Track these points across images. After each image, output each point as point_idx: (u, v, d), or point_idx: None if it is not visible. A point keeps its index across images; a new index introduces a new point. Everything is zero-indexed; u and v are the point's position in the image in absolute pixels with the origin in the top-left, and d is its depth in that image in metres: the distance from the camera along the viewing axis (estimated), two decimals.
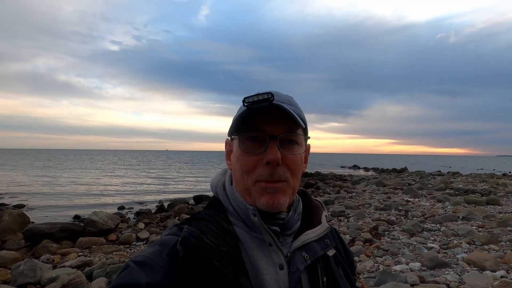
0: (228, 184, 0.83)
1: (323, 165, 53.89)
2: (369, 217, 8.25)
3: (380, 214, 8.70)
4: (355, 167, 47.19)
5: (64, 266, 5.09)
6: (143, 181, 25.43)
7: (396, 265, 4.72)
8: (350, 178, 23.40)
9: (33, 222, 8.09)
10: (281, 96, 0.78)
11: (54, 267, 5.18)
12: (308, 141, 0.85)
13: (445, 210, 8.88)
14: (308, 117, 0.83)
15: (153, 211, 11.06)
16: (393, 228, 6.95)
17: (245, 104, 0.73)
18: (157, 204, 13.03)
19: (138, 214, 10.47)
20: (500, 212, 8.43)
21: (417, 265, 4.64)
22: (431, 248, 5.46)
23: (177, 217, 9.76)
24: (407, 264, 4.71)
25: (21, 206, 12.24)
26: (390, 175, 27.06)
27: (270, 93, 0.72)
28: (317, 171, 29.84)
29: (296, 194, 0.84)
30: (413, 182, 17.72)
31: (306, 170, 0.86)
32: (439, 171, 30.76)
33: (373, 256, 5.22)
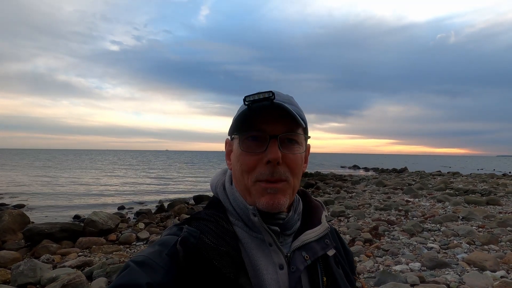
0: (228, 184, 0.83)
1: (323, 165, 53.88)
2: (369, 217, 8.24)
3: (380, 214, 8.70)
4: (355, 167, 47.19)
5: (64, 266, 5.09)
6: (143, 181, 25.43)
7: (396, 265, 4.72)
8: (350, 178, 23.40)
9: (33, 222, 8.09)
10: (282, 96, 0.78)
11: (54, 267, 5.18)
12: (308, 141, 0.85)
13: (445, 210, 8.88)
14: (308, 117, 0.83)
15: (153, 211, 11.06)
16: (393, 228, 6.95)
17: (246, 103, 0.73)
18: (157, 204, 13.03)
19: (138, 214, 10.47)
20: (500, 212, 8.43)
21: (417, 265, 4.64)
22: (431, 248, 5.46)
23: (177, 217, 9.76)
24: (407, 264, 4.71)
25: (21, 206, 12.24)
26: (390, 175, 27.06)
27: (271, 92, 0.72)
28: (317, 171, 29.84)
29: (296, 194, 0.84)
30: (413, 182, 17.72)
31: (306, 170, 0.86)
32: (439, 171, 30.76)
33: (373, 256, 5.22)
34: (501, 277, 4.10)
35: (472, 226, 6.78)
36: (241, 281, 0.67)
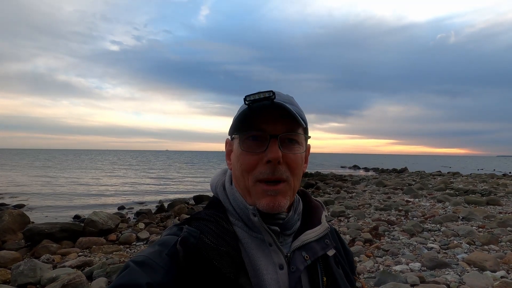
0: (228, 184, 0.83)
1: (323, 165, 53.87)
2: (369, 217, 8.24)
3: (380, 214, 8.70)
4: (355, 167, 47.19)
5: (64, 266, 5.09)
6: (143, 181, 25.43)
7: (396, 265, 4.72)
8: (350, 178, 23.40)
9: (33, 222, 8.09)
10: (282, 96, 0.78)
11: (54, 267, 5.18)
12: (308, 141, 0.85)
13: (445, 210, 8.88)
14: (308, 117, 0.84)
15: (153, 211, 11.06)
16: (393, 228, 6.95)
17: (246, 103, 0.73)
18: (157, 204, 13.03)
19: (138, 214, 10.47)
20: (500, 213, 8.43)
21: (417, 265, 4.64)
22: (431, 248, 5.46)
23: (177, 217, 9.76)
24: (407, 264, 4.71)
25: (21, 206, 12.25)
26: (390, 175, 27.06)
27: (271, 91, 0.72)
28: (317, 171, 29.85)
29: (296, 194, 0.84)
30: (413, 182, 17.72)
31: (306, 170, 0.86)
32: (439, 171, 30.76)
33: (373, 256, 5.21)
34: (501, 277, 4.10)
35: (472, 226, 6.78)
36: (241, 281, 0.67)
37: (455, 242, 5.73)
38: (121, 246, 6.71)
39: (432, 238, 6.08)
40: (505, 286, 3.68)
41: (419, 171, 31.35)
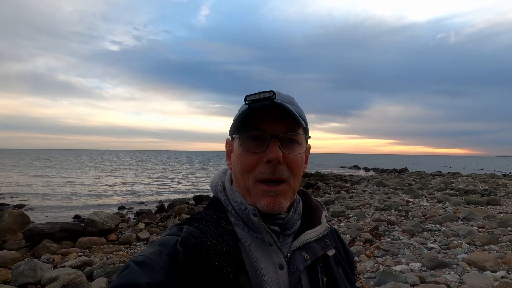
0: (228, 184, 0.83)
1: (323, 165, 53.87)
2: (369, 218, 8.24)
3: (380, 214, 8.70)
4: (355, 167, 47.19)
5: (64, 266, 5.09)
6: (143, 181, 25.44)
7: (396, 265, 4.72)
8: (350, 178, 23.40)
9: (33, 222, 8.09)
10: (282, 96, 0.79)
11: (55, 267, 5.18)
12: (308, 141, 0.85)
13: (446, 211, 8.88)
14: (308, 117, 0.84)
15: (153, 211, 11.06)
16: (394, 228, 6.95)
17: (247, 103, 0.73)
18: (157, 204, 13.04)
19: (138, 214, 10.47)
20: (500, 213, 8.42)
21: (417, 265, 4.64)
22: (432, 248, 5.45)
23: (177, 217, 9.77)
24: (407, 265, 4.71)
25: (21, 206, 12.25)
26: (390, 176, 27.06)
27: (271, 91, 0.72)
28: (317, 171, 29.85)
29: (296, 194, 0.84)
30: (414, 183, 17.72)
31: (306, 171, 0.86)
32: (440, 171, 30.76)
33: (373, 257, 5.21)
34: (502, 277, 4.09)
35: (472, 226, 6.78)
36: (241, 281, 0.67)
37: (455, 242, 5.73)
38: (121, 246, 6.72)
39: (432, 238, 6.07)
40: (505, 286, 3.68)
41: (419, 171, 31.35)
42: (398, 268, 4.58)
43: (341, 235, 1.01)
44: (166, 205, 12.21)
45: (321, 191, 16.00)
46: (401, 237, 6.17)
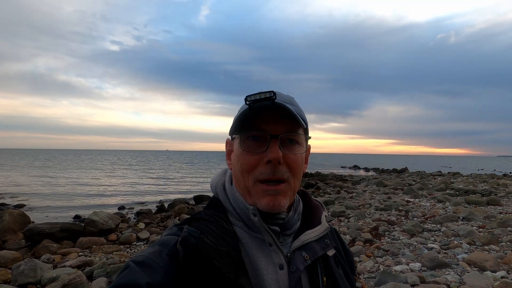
0: (228, 184, 0.83)
1: (323, 165, 53.87)
2: (370, 218, 8.24)
3: (381, 214, 8.70)
4: (356, 167, 47.18)
5: (64, 266, 5.09)
6: (143, 181, 25.44)
7: (396, 265, 4.72)
8: (351, 178, 23.39)
9: (33, 222, 8.09)
10: (283, 96, 0.79)
11: (55, 267, 5.18)
12: (309, 142, 0.85)
13: (446, 211, 8.87)
14: (308, 117, 0.84)
15: (153, 211, 11.06)
16: (394, 228, 6.95)
17: (247, 103, 0.73)
18: (158, 204, 13.04)
19: (139, 214, 10.47)
20: (500, 213, 8.42)
21: (417, 265, 4.64)
22: (432, 248, 5.45)
23: (177, 217, 9.77)
24: (408, 265, 4.71)
25: (21, 206, 12.26)
26: (390, 176, 27.05)
27: (272, 92, 0.72)
28: (317, 171, 29.84)
29: (296, 194, 0.84)
30: (414, 183, 17.71)
31: (306, 171, 0.86)
32: (440, 171, 30.75)
33: (374, 257, 5.21)
34: (502, 277, 4.09)
35: (472, 226, 6.78)
36: (241, 281, 0.67)
37: (456, 242, 5.72)
38: (122, 246, 6.72)
39: (433, 238, 6.07)
40: (505, 287, 3.68)
41: (419, 171, 31.34)
42: (398, 268, 4.58)
43: (341, 235, 1.01)
44: (166, 205, 12.21)
45: (321, 191, 16.00)
46: (401, 237, 6.17)
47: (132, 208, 12.49)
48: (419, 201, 11.08)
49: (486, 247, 5.45)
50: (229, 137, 0.83)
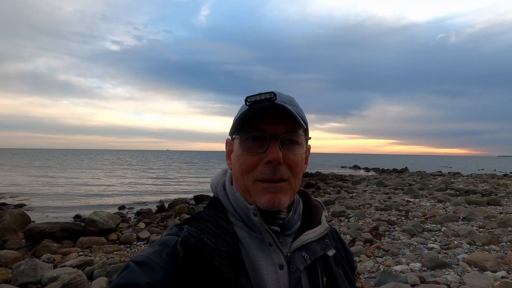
0: (228, 184, 0.83)
1: (323, 165, 53.86)
2: (370, 217, 8.24)
3: (381, 214, 8.70)
4: (356, 167, 47.17)
5: (64, 266, 5.10)
6: (144, 181, 25.45)
7: (396, 265, 4.72)
8: (351, 178, 23.39)
9: (33, 222, 8.10)
10: (283, 97, 0.79)
11: (55, 266, 5.19)
12: (309, 142, 0.85)
13: (446, 211, 8.87)
14: (308, 117, 0.84)
15: (153, 211, 11.06)
16: (394, 228, 6.94)
17: (247, 103, 0.73)
18: (158, 204, 13.04)
19: (139, 214, 10.48)
20: (501, 213, 8.42)
21: (417, 265, 4.64)
22: (432, 248, 5.45)
23: (177, 217, 9.77)
24: (408, 265, 4.70)
25: (21, 206, 12.26)
26: (390, 176, 27.04)
27: (272, 92, 0.72)
28: (317, 171, 29.84)
29: (296, 194, 0.84)
30: (414, 183, 17.71)
31: (306, 171, 0.86)
32: (440, 171, 30.74)
33: (374, 257, 5.21)
34: (502, 277, 4.09)
35: (472, 226, 6.77)
36: (241, 281, 0.67)
37: (456, 242, 5.72)
38: (122, 246, 6.72)
39: (433, 238, 6.07)
40: (505, 287, 3.67)
41: (419, 171, 31.33)
42: (398, 268, 4.58)
43: (341, 235, 1.01)
44: (166, 205, 12.22)
45: (321, 191, 16.00)
46: (401, 237, 6.17)
47: (132, 208, 12.50)
48: (419, 201, 11.07)
49: (486, 247, 5.45)
50: (229, 137, 0.83)
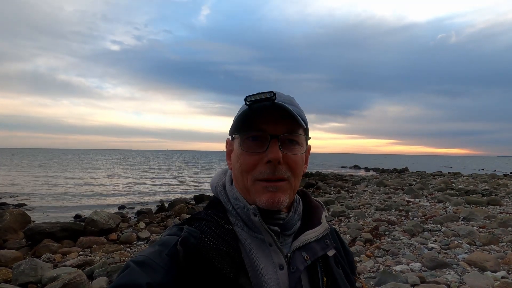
0: (228, 184, 0.83)
1: (323, 165, 53.87)
2: (370, 217, 8.24)
3: (381, 214, 8.69)
4: (356, 167, 47.17)
5: (65, 265, 5.10)
6: (144, 181, 25.46)
7: (396, 265, 4.72)
8: (351, 178, 23.38)
9: (34, 222, 8.10)
10: (283, 96, 0.79)
11: (55, 266, 5.19)
12: (309, 142, 0.85)
13: (446, 211, 8.87)
14: (308, 117, 0.84)
15: (153, 211, 11.07)
16: (394, 228, 6.94)
17: (247, 103, 0.73)
18: (158, 203, 13.05)
19: (139, 213, 10.48)
20: (501, 213, 8.42)
21: (417, 265, 4.64)
22: (432, 248, 5.45)
23: (177, 217, 9.77)
24: (408, 265, 4.70)
25: (22, 206, 12.27)
26: (390, 175, 27.03)
27: (272, 92, 0.72)
28: (317, 171, 29.85)
29: (296, 194, 0.84)
30: (414, 183, 17.70)
31: (306, 171, 0.86)
32: (440, 171, 30.73)
33: (374, 256, 5.21)
34: (502, 277, 4.09)
35: (473, 226, 6.77)
36: (241, 281, 0.67)
37: (456, 242, 5.72)
38: (122, 246, 6.72)
39: (433, 238, 6.07)
40: (505, 287, 3.68)
41: (419, 171, 31.32)
42: (398, 268, 4.58)
43: (341, 235, 1.01)
44: (166, 204, 12.22)
45: (321, 191, 16.00)
46: (401, 237, 6.17)
47: (133, 208, 12.51)
48: (420, 201, 11.07)
49: (486, 247, 5.45)
50: (229, 137, 0.83)
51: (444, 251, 5.35)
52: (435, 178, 21.71)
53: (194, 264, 0.66)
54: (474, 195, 11.56)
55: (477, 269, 4.42)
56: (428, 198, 11.71)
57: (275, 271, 0.72)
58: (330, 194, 14.76)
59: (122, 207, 12.69)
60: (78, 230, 7.21)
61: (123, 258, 5.65)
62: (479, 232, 6.35)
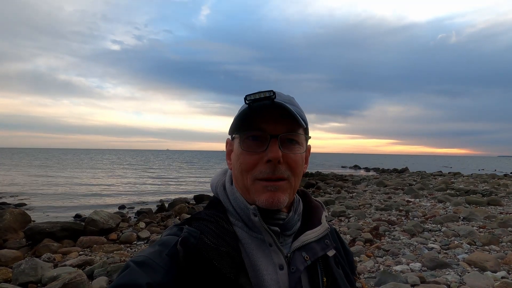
0: (228, 184, 0.83)
1: (323, 165, 53.88)
2: (370, 217, 8.24)
3: (381, 214, 8.69)
4: (356, 167, 47.16)
5: (65, 265, 5.10)
6: (144, 180, 25.46)
7: (396, 265, 4.72)
8: (351, 178, 23.38)
9: (34, 221, 8.10)
10: (283, 96, 0.78)
11: (55, 266, 5.19)
12: (309, 142, 0.85)
13: (446, 211, 8.87)
14: (308, 117, 0.83)
15: (154, 211, 11.07)
16: (394, 228, 6.94)
17: (247, 102, 0.73)
18: (158, 203, 13.05)
19: (139, 213, 10.48)
20: (501, 213, 8.41)
21: (417, 265, 4.64)
22: (432, 248, 5.45)
23: (178, 217, 9.77)
24: (408, 265, 4.70)
25: (22, 205, 12.27)
26: (391, 175, 27.03)
27: (271, 91, 0.72)
28: (317, 171, 29.85)
29: (296, 194, 0.84)
30: (414, 183, 17.70)
31: (306, 171, 0.86)
32: (440, 171, 30.73)
33: (374, 256, 5.21)
34: (502, 277, 4.09)
35: (473, 226, 6.77)
36: (241, 281, 0.67)
37: (456, 242, 5.72)
38: (122, 245, 6.72)
39: (433, 238, 6.07)
40: (505, 287, 3.67)
41: (419, 171, 31.32)
42: (398, 268, 4.58)
43: (341, 235, 1.01)
44: (166, 204, 12.22)
45: (321, 191, 15.99)
46: (401, 237, 6.17)
47: (133, 208, 12.51)
48: (420, 201, 11.07)
49: (486, 247, 5.45)
50: (229, 137, 0.83)
51: (444, 251, 5.35)
52: (435, 178, 21.71)
53: (194, 264, 0.66)
54: (474, 195, 11.56)
55: (477, 269, 4.42)
56: (428, 198, 11.71)
57: (275, 271, 0.72)
58: (330, 194, 14.76)
59: (122, 207, 12.69)
60: (78, 230, 7.22)
61: (123, 258, 5.66)
62: (479, 232, 6.35)
